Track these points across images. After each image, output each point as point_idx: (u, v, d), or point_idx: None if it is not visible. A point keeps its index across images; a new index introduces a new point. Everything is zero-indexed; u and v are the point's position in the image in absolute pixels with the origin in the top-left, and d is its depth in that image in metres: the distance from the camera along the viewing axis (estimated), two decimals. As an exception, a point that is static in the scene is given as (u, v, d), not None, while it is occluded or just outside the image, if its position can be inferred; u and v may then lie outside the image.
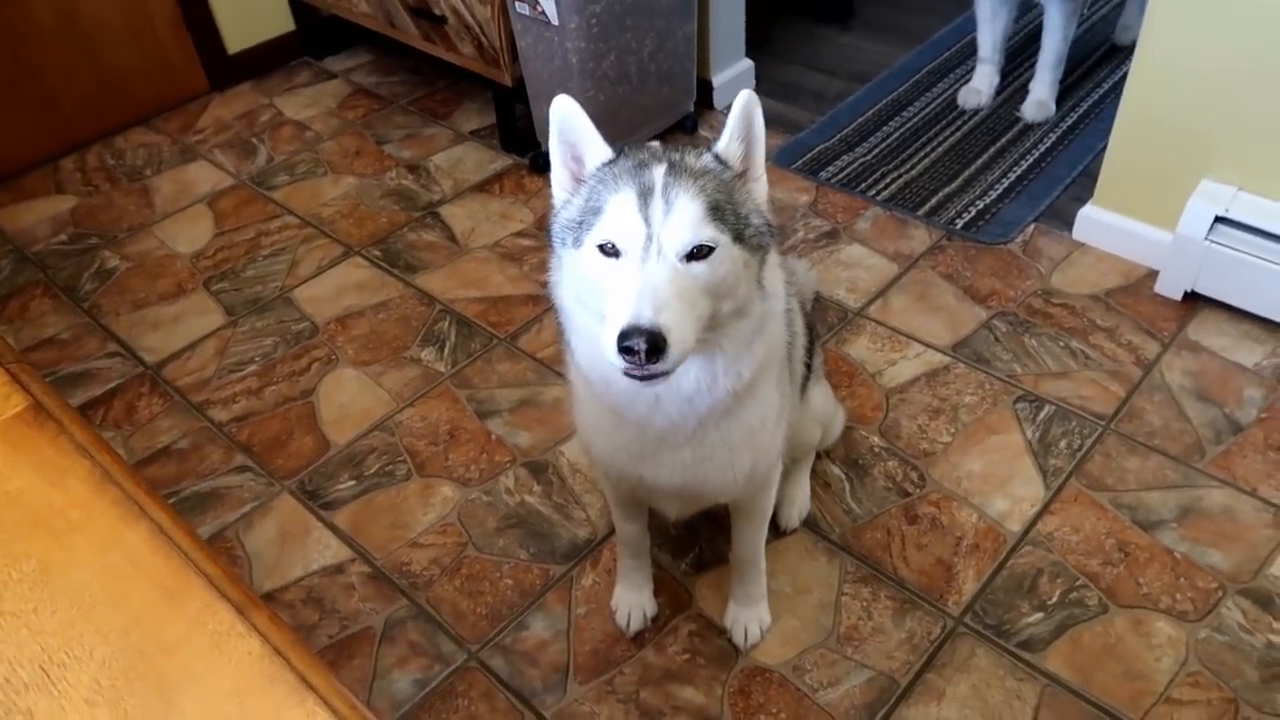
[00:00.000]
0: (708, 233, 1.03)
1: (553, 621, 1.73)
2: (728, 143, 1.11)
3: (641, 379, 1.02)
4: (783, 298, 1.22)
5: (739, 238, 1.06)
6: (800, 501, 1.83)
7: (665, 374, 1.02)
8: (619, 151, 1.12)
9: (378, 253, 2.57)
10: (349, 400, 2.17)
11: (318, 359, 2.28)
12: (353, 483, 1.99)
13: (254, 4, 3.25)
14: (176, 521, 0.72)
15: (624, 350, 0.98)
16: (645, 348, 0.96)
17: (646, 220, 1.02)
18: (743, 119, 1.10)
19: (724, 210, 1.05)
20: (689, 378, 1.14)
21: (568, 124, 1.12)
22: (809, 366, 1.57)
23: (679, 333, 0.99)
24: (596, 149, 1.12)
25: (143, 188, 2.88)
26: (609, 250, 1.04)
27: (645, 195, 1.03)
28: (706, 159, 1.10)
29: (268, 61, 3.34)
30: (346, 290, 2.46)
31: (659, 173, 1.05)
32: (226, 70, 3.26)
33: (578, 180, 1.14)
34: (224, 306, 2.45)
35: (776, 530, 1.81)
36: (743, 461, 1.30)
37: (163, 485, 2.02)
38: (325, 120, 3.11)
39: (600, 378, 1.20)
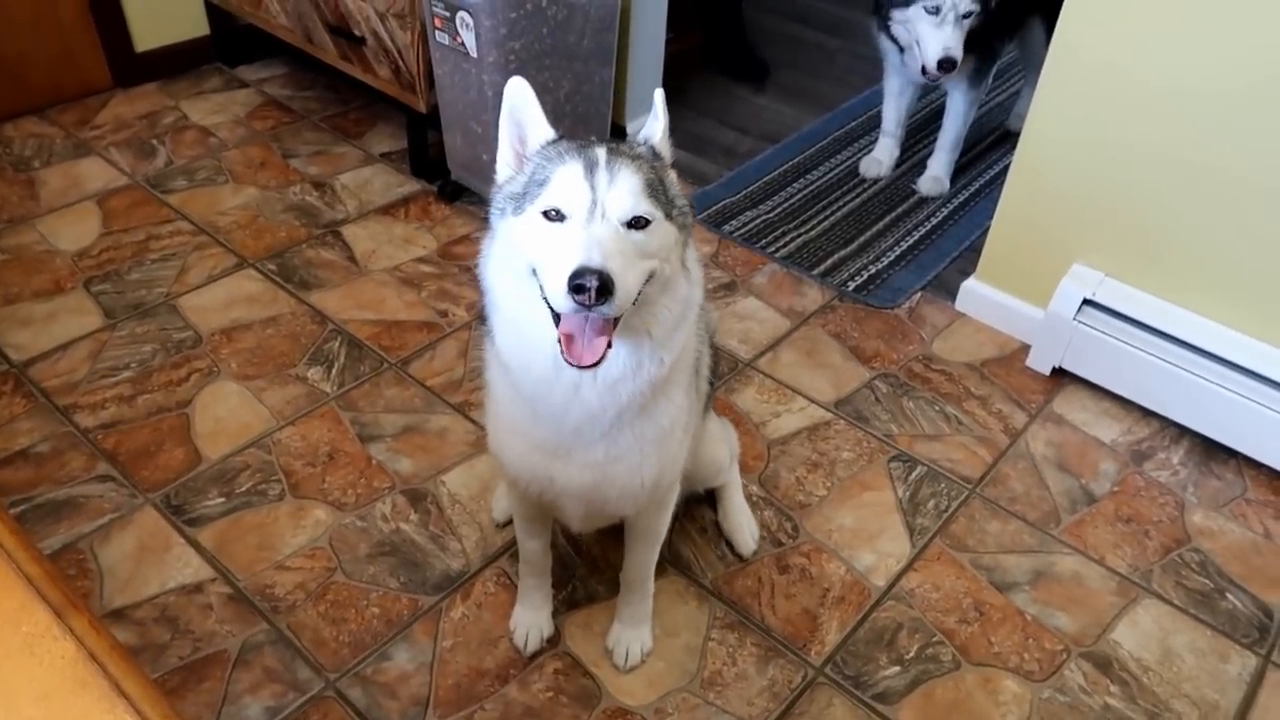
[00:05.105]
0: (645, 206, 1.11)
1: (417, 653, 1.69)
2: (661, 137, 1.22)
3: (588, 307, 1.05)
4: (702, 287, 1.29)
5: (668, 215, 1.15)
6: (747, 524, 1.89)
7: (607, 319, 1.08)
8: (560, 134, 1.21)
9: (273, 266, 2.52)
10: (227, 414, 2.11)
11: (198, 370, 2.21)
12: (222, 500, 1.93)
13: (168, 4, 3.17)
14: (2, 518, 0.69)
15: (575, 289, 1.03)
16: (596, 285, 1.02)
17: (592, 187, 1.10)
18: (665, 115, 1.22)
19: (657, 189, 1.14)
20: (618, 362, 1.19)
21: (518, 105, 1.21)
22: (713, 385, 1.65)
23: (622, 280, 1.05)
24: (541, 130, 1.21)
25: (29, 179, 2.77)
26: (553, 216, 1.11)
27: (591, 167, 1.11)
28: (642, 149, 1.19)
29: (177, 63, 3.26)
30: (236, 302, 2.40)
31: (601, 151, 1.13)
32: (132, 68, 3.17)
33: (521, 159, 1.22)
34: (103, 308, 2.35)
35: (739, 557, 1.87)
36: (651, 465, 1.34)
37: (15, 490, 1.92)
38: (232, 128, 3.05)
39: (519, 363, 1.24)
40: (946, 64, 2.52)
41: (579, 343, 1.10)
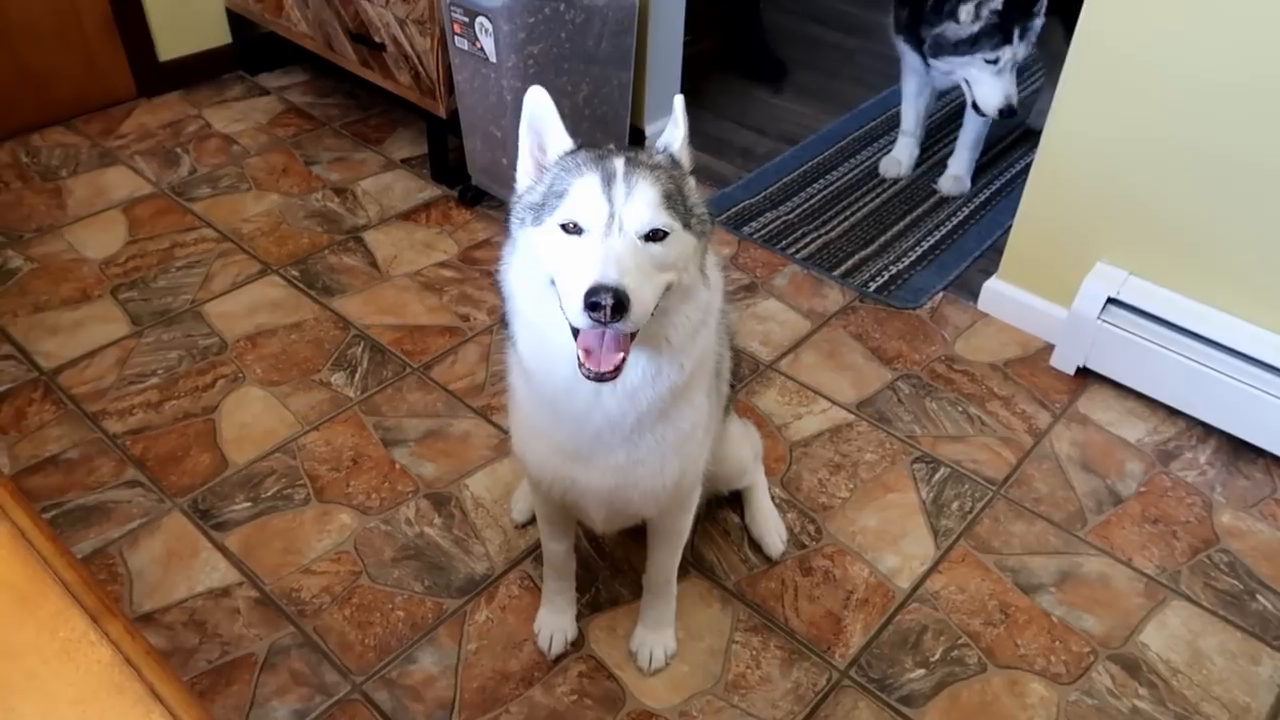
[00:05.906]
0: (663, 218, 1.10)
1: (442, 656, 1.70)
2: (681, 145, 1.21)
3: (602, 323, 1.04)
4: (721, 292, 1.28)
5: (686, 225, 1.14)
6: (775, 527, 1.89)
7: (623, 334, 1.08)
8: (579, 144, 1.20)
9: (296, 273, 2.54)
10: (252, 420, 2.13)
11: (224, 376, 2.23)
12: (248, 504, 1.95)
13: (190, 13, 3.21)
14: (38, 525, 0.70)
15: (591, 306, 1.02)
16: (611, 303, 1.01)
17: (609, 200, 1.09)
18: (685, 122, 1.21)
19: (675, 200, 1.13)
20: (638, 369, 1.19)
21: (537, 114, 1.20)
22: (734, 387, 1.65)
23: (639, 295, 1.05)
24: (559, 139, 1.20)
25: (56, 188, 2.80)
26: (570, 229, 1.10)
27: (608, 179, 1.10)
28: (660, 157, 1.18)
29: (200, 72, 3.30)
30: (260, 308, 2.42)
31: (619, 162, 1.12)
32: (156, 77, 3.20)
33: (541, 168, 1.21)
34: (130, 316, 2.38)
35: (767, 560, 1.86)
36: (672, 467, 1.34)
37: (46, 496, 1.94)
38: (254, 136, 3.08)
39: (541, 369, 1.24)
40: (1007, 111, 2.55)
41: (596, 355, 1.10)
